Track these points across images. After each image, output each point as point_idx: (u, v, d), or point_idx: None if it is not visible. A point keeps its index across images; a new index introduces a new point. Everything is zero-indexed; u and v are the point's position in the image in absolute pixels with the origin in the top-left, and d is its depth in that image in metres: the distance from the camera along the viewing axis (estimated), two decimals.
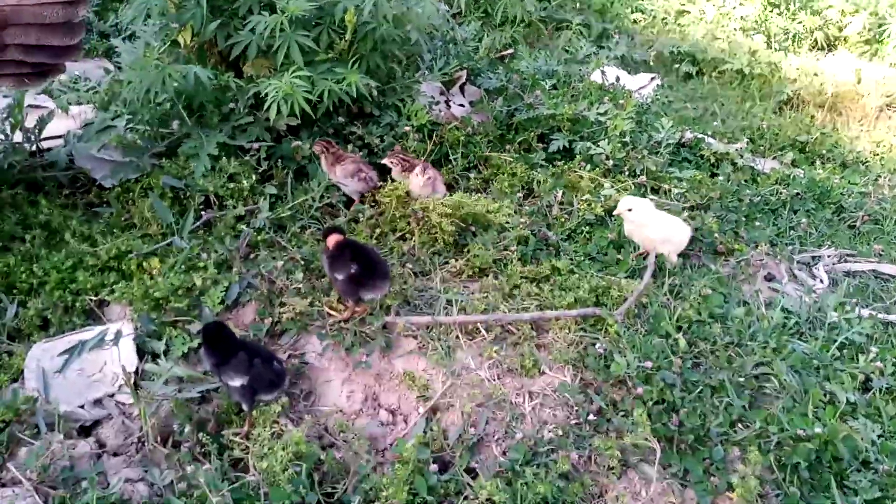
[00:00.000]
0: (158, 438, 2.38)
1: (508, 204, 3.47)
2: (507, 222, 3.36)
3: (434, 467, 2.28)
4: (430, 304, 2.97)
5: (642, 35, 6.71)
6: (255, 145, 3.48)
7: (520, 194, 3.71)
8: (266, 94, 3.37)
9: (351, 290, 2.76)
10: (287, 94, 3.30)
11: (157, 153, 3.40)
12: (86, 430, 2.44)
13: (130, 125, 3.44)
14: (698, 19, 6.84)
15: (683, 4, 7.12)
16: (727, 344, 2.81)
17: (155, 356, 2.63)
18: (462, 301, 2.93)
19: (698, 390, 2.57)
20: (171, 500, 2.15)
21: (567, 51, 6.04)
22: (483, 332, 2.82)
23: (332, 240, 2.83)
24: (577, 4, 6.84)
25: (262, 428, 2.38)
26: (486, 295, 2.98)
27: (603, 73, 5.03)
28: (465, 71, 4.61)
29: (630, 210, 3.18)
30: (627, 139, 4.09)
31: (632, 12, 7.03)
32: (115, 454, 2.37)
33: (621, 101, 4.40)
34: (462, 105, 4.48)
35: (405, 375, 2.64)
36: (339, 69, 3.60)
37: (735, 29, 6.65)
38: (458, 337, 2.80)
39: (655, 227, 3.19)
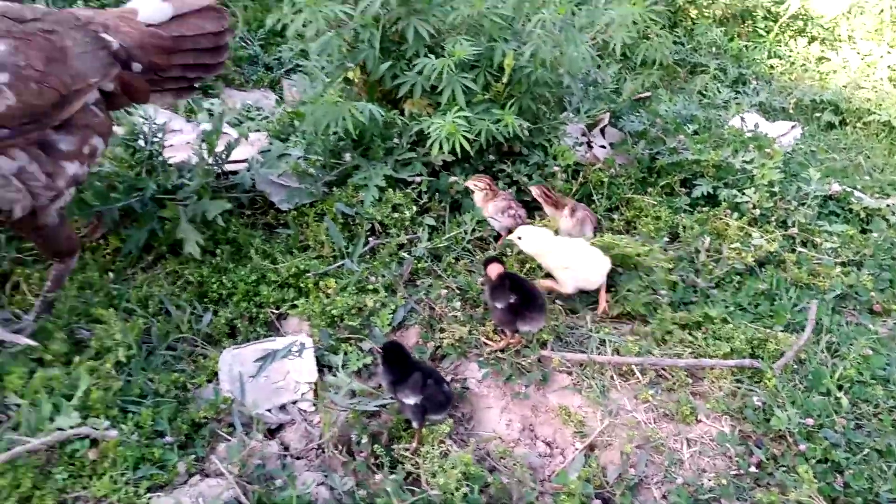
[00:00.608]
0: (337, 446, 2.59)
1: (657, 248, 3.54)
2: (657, 266, 3.43)
3: (597, 502, 2.38)
4: (581, 342, 3.07)
5: (779, 82, 6.63)
6: (417, 178, 3.71)
7: (665, 238, 3.77)
8: (429, 132, 3.61)
9: (509, 320, 2.89)
10: (450, 133, 3.52)
11: (328, 182, 3.67)
12: (271, 433, 2.68)
13: (305, 155, 3.74)
14: (841, 67, 6.68)
15: (823, 51, 6.98)
16: (891, 408, 2.77)
17: (331, 369, 2.85)
18: (615, 342, 3.02)
19: (864, 452, 2.55)
20: None
21: (703, 95, 6.05)
22: (637, 374, 2.90)
23: (494, 270, 2.98)
24: (713, 49, 6.83)
25: (430, 446, 2.55)
26: (637, 338, 3.07)
27: (742, 119, 5.02)
28: (608, 113, 4.72)
29: (520, 238, 3.28)
30: (776, 189, 4.08)
31: (768, 57, 6.96)
32: (297, 457, 2.59)
33: (767, 150, 4.38)
34: (603, 146, 4.59)
35: (561, 410, 2.75)
36: (494, 110, 3.80)
37: (881, 78, 6.46)
38: (612, 377, 2.89)
39: (554, 255, 3.22)
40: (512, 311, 2.86)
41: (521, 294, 2.88)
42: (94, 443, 2.32)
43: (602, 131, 4.76)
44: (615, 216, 3.98)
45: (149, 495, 2.26)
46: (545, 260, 3.28)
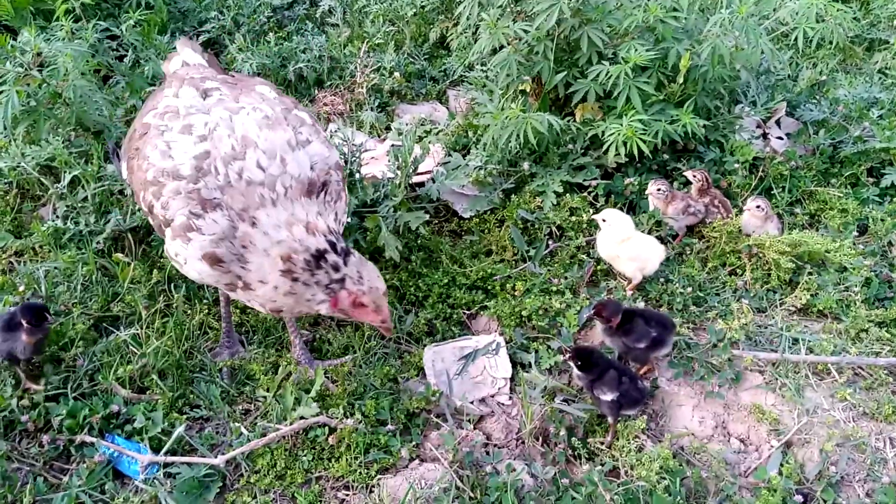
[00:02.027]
0: (537, 437, 2.80)
1: (847, 243, 3.45)
2: (848, 262, 3.34)
3: (799, 498, 2.42)
4: (772, 341, 3.08)
5: None
6: (592, 182, 3.85)
7: (854, 232, 3.65)
8: (604, 137, 3.73)
9: (646, 356, 2.93)
10: (627, 136, 3.62)
11: (506, 189, 3.90)
12: (473, 424, 2.93)
13: (484, 165, 3.98)
14: None
15: None
16: None
17: (524, 366, 3.07)
18: (808, 340, 3.01)
19: None
20: (563, 493, 2.52)
21: (884, 74, 5.66)
22: (834, 373, 2.88)
23: (616, 318, 2.90)
24: (894, 22, 6.36)
25: (625, 440, 2.70)
26: (831, 336, 3.03)
27: None
28: (784, 103, 4.59)
29: (604, 220, 3.29)
30: None
31: None
32: (499, 446, 2.83)
33: None
34: (780, 138, 4.48)
35: (754, 408, 2.79)
36: (669, 110, 3.85)
37: None
38: (807, 376, 2.89)
39: (630, 245, 3.27)
40: (653, 345, 2.88)
41: (657, 324, 2.89)
42: (331, 430, 2.67)
43: (778, 122, 4.63)
44: (798, 210, 3.90)
45: (378, 476, 2.59)
46: (619, 249, 3.31)
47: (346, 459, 2.60)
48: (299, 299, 2.38)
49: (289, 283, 2.33)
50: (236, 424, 2.70)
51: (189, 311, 3.18)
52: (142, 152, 2.53)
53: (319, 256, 2.33)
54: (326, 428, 2.67)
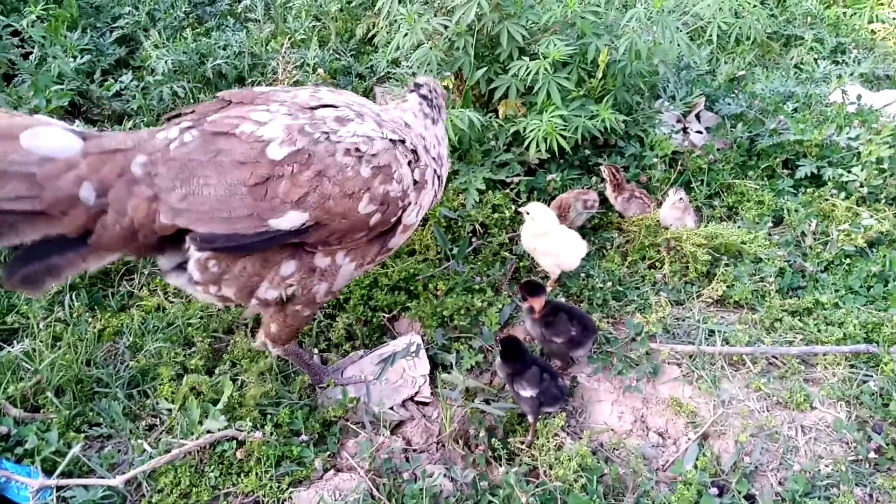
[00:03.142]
0: (457, 440, 2.74)
1: (762, 234, 3.50)
2: (762, 253, 3.40)
3: (714, 490, 2.43)
4: (689, 334, 3.10)
5: (882, 47, 6.29)
6: (515, 179, 3.82)
7: (769, 223, 3.72)
8: (525, 133, 3.71)
9: (564, 352, 2.91)
10: (547, 132, 3.61)
11: None
12: (392, 430, 2.86)
13: None
14: None
15: None
16: None
17: (445, 367, 3.01)
18: (724, 332, 3.04)
19: None
20: (481, 497, 2.47)
21: (800, 69, 5.83)
22: (749, 363, 2.91)
23: (539, 301, 2.88)
24: (808, 19, 6.56)
25: (544, 439, 2.67)
26: (746, 326, 3.07)
27: (844, 92, 4.83)
28: (703, 98, 4.66)
29: (528, 213, 3.29)
30: (885, 165, 3.94)
31: (869, 22, 6.61)
32: (419, 451, 2.77)
33: (875, 125, 4.22)
34: (700, 132, 4.54)
35: (672, 401, 2.80)
36: (589, 105, 3.85)
37: None
38: (723, 367, 2.91)
39: (549, 239, 3.25)
40: (573, 343, 2.86)
41: (579, 322, 2.87)
42: (240, 444, 2.56)
43: (697, 116, 4.70)
44: (716, 203, 3.96)
45: (290, 490, 2.49)
46: (539, 242, 3.30)
47: (257, 473, 2.49)
48: None
49: None
50: (139, 441, 2.56)
51: (91, 321, 3.01)
52: None
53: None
54: (235, 441, 2.56)
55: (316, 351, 3.08)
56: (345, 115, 2.37)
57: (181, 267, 2.32)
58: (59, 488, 2.37)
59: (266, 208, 2.16)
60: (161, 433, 2.64)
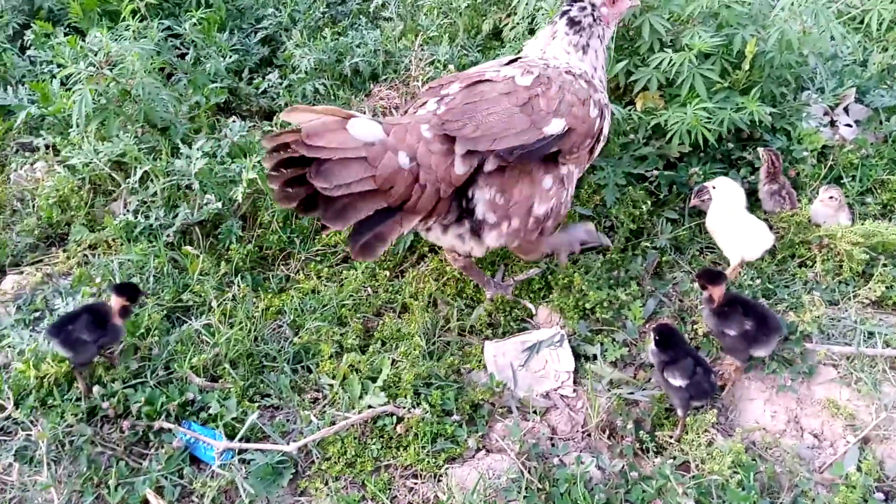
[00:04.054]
0: (603, 430, 2.78)
1: None
2: None
3: (880, 496, 2.35)
4: (845, 335, 2.99)
5: None
6: (654, 173, 3.79)
7: None
8: (668, 126, 3.66)
9: (742, 347, 2.78)
10: (692, 125, 3.55)
11: None
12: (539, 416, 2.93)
13: None
14: None
15: None
16: None
17: (587, 359, 3.05)
18: (885, 334, 2.91)
19: None
20: (633, 486, 2.50)
21: None
22: None
23: (719, 290, 2.83)
24: None
25: (694, 434, 2.66)
26: None
27: None
28: (853, 89, 4.44)
29: (714, 188, 3.34)
30: None
31: None
32: (564, 439, 2.82)
33: None
34: (849, 125, 4.33)
35: (828, 402, 2.72)
36: (734, 97, 3.76)
37: None
38: (884, 370, 2.80)
39: (733, 220, 3.26)
40: (747, 338, 2.75)
41: (756, 316, 2.76)
42: (399, 419, 2.70)
43: (846, 109, 4.48)
44: (869, 200, 3.77)
45: (446, 466, 2.61)
46: (722, 223, 3.29)
47: (415, 448, 2.63)
48: None
49: None
50: (306, 413, 2.76)
51: (255, 302, 3.25)
52: None
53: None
54: (394, 417, 2.71)
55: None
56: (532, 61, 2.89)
57: (459, 222, 2.75)
58: (240, 451, 2.59)
59: (538, 119, 2.64)
60: (325, 406, 2.82)
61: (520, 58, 2.95)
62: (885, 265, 3.24)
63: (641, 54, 3.85)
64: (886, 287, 3.13)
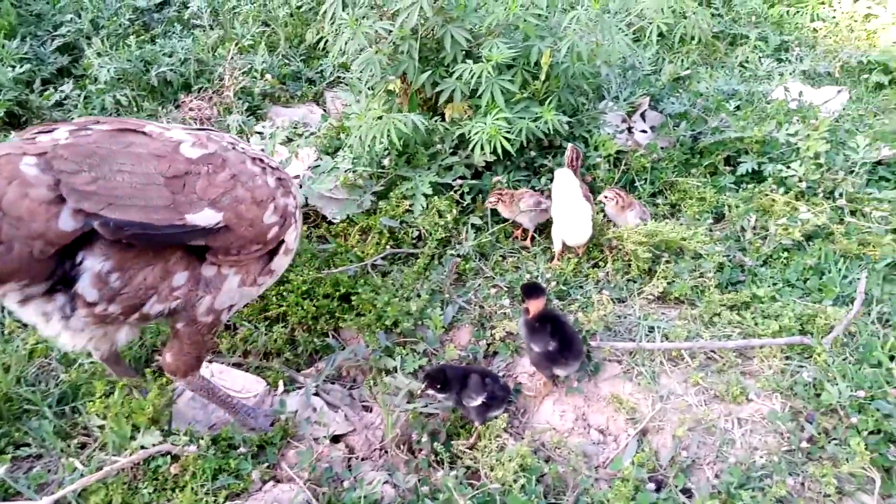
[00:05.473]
0: (399, 446, 2.73)
1: (702, 230, 3.55)
2: (702, 249, 3.45)
3: (651, 486, 2.45)
4: (630, 331, 3.13)
5: (823, 45, 6.44)
6: (459, 182, 3.82)
7: (710, 219, 3.78)
8: (470, 136, 3.71)
9: (545, 365, 2.82)
10: (491, 135, 3.62)
11: (376, 192, 3.82)
12: (335, 439, 2.83)
13: (353, 168, 3.89)
14: (890, 23, 6.45)
15: (870, 8, 6.74)
16: None
17: (388, 372, 3.00)
18: (664, 328, 3.07)
19: None
20: (421, 502, 2.46)
21: (745, 67, 5.94)
22: (687, 358, 2.95)
23: (536, 305, 2.86)
24: (753, 18, 6.69)
25: (487, 440, 2.67)
26: (686, 322, 3.11)
27: (786, 89, 4.93)
28: (646, 98, 4.72)
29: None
30: (822, 160, 4.02)
31: (811, 21, 6.76)
32: (363, 458, 2.75)
33: (813, 121, 4.31)
34: (644, 131, 4.60)
35: (612, 398, 2.82)
36: (533, 107, 3.87)
37: None
38: (662, 363, 2.95)
39: (563, 207, 3.44)
40: (549, 357, 2.80)
41: (561, 338, 2.78)
42: (175, 458, 2.51)
43: (642, 116, 4.76)
44: (659, 201, 4.01)
45: (226, 503, 2.45)
46: (555, 210, 3.47)
47: (192, 488, 2.44)
48: None
49: None
50: (70, 460, 2.50)
51: (23, 337, 2.94)
52: None
53: None
54: (170, 456, 2.51)
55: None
56: (217, 135, 2.41)
57: (49, 295, 2.13)
58: None
59: (183, 202, 2.14)
60: (94, 451, 2.57)
61: (210, 129, 2.45)
62: (667, 262, 3.43)
63: (446, 65, 3.89)
64: (668, 283, 3.31)
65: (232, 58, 5.23)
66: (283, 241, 2.46)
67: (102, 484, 2.40)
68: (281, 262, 2.54)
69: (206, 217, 2.18)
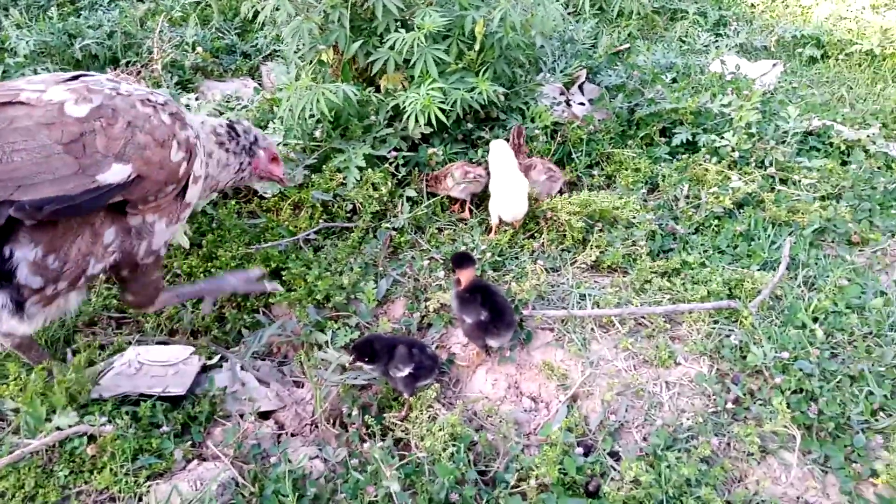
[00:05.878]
0: (330, 420, 2.69)
1: (634, 199, 3.57)
2: (635, 218, 3.47)
3: (580, 450, 2.46)
4: (563, 299, 3.14)
5: (760, 20, 6.56)
6: (394, 154, 3.76)
7: (644, 189, 3.81)
8: (404, 106, 3.65)
9: (478, 335, 2.80)
10: (425, 105, 3.56)
11: (309, 165, 3.73)
12: (265, 415, 2.77)
13: (285, 140, 3.79)
14: None
15: None
16: (866, 334, 2.82)
17: (319, 347, 2.94)
18: (595, 296, 3.08)
19: (837, 380, 2.61)
20: (350, 475, 2.42)
21: (683, 41, 6.01)
22: (617, 324, 2.96)
23: (467, 275, 2.83)
24: None
25: (418, 411, 2.64)
26: (617, 289, 3.13)
27: (723, 62, 5.00)
28: (584, 70, 4.72)
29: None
30: (753, 130, 4.09)
31: None
32: (293, 434, 2.69)
33: (745, 92, 4.37)
34: (582, 103, 4.60)
35: (544, 365, 2.82)
36: (468, 78, 3.83)
37: (863, 7, 6.36)
38: (592, 329, 2.96)
39: (500, 178, 3.40)
40: (481, 328, 2.77)
41: (492, 308, 2.75)
42: (92, 439, 2.42)
43: (581, 88, 4.76)
44: (595, 172, 4.01)
45: (148, 483, 2.36)
46: (493, 182, 3.44)
47: (111, 469, 2.35)
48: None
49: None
50: None
51: None
52: None
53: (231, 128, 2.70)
54: (86, 437, 2.41)
55: None
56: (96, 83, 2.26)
57: None
58: None
59: (89, 164, 2.07)
60: (6, 434, 2.46)
61: (84, 76, 2.27)
62: (600, 231, 3.44)
63: (379, 34, 3.80)
64: (601, 252, 3.32)
65: (161, 30, 5.04)
66: (190, 176, 2.44)
67: (13, 468, 2.29)
68: (194, 193, 2.52)
69: (116, 172, 2.12)
